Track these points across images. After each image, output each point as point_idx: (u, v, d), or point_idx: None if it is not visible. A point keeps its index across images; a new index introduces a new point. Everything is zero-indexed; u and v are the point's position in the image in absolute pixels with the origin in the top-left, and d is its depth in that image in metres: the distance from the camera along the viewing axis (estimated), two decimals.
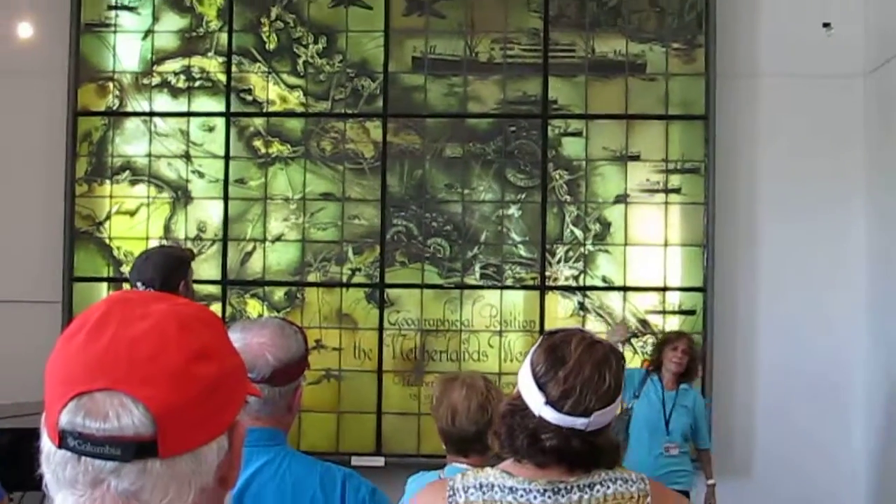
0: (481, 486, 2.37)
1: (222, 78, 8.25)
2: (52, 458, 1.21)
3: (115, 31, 8.34)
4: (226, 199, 8.20)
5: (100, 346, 1.21)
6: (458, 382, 3.60)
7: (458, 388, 3.54)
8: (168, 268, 4.83)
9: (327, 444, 7.83)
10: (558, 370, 2.34)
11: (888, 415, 7.43)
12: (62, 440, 1.18)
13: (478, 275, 8.10)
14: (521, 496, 2.33)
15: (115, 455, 1.17)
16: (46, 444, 1.21)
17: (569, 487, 2.33)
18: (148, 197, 8.29)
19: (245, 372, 1.40)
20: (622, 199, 8.05)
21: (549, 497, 2.32)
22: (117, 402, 1.17)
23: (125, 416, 1.17)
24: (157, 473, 1.19)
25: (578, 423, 2.31)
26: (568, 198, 8.06)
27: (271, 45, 8.24)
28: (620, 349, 4.21)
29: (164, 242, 8.06)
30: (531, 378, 2.38)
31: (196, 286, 6.05)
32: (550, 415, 2.31)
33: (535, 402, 2.34)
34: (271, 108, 8.26)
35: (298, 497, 2.68)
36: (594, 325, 7.72)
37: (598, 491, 2.34)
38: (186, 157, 8.27)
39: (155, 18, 8.32)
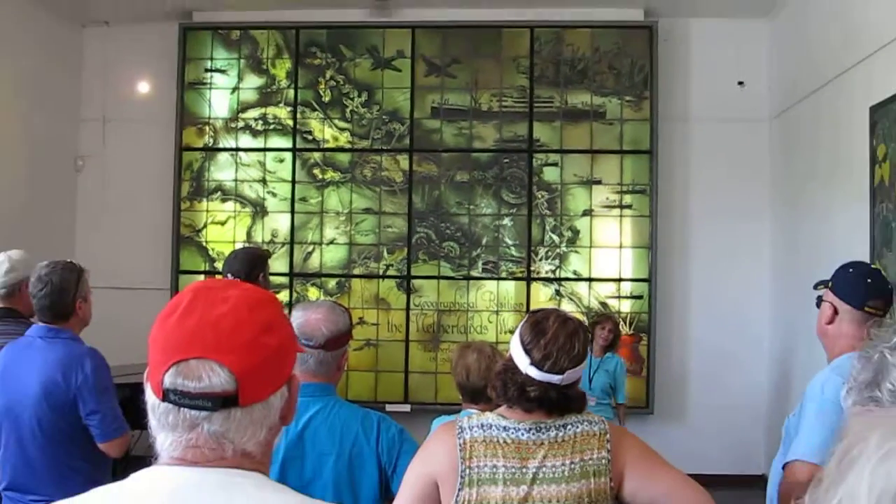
0: (482, 425, 2.32)
1: (290, 122, 8.31)
2: (156, 409, 1.24)
3: (210, 88, 8.42)
4: (292, 212, 8.27)
5: (191, 323, 1.24)
6: (471, 349, 3.59)
7: (471, 353, 3.53)
8: (250, 263, 4.82)
9: (367, 395, 7.85)
10: (540, 339, 2.33)
11: (782, 371, 7.52)
12: (165, 396, 1.22)
13: (480, 269, 8.13)
14: (512, 433, 2.30)
15: (206, 406, 1.21)
16: (151, 398, 1.25)
17: (547, 426, 2.31)
18: (234, 211, 8.36)
19: (295, 337, 1.40)
20: (588, 212, 8.07)
21: (533, 434, 2.30)
22: (208, 367, 1.21)
23: (214, 377, 1.21)
24: (238, 418, 1.23)
25: (555, 379, 2.29)
26: (547, 212, 8.10)
27: (326, 98, 8.29)
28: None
29: (247, 244, 8.10)
30: (519, 345, 2.37)
31: (271, 277, 6.09)
32: (534, 373, 2.30)
33: (523, 363, 2.33)
34: (326, 145, 8.29)
35: (345, 435, 2.68)
36: (567, 306, 7.74)
37: (569, 429, 2.32)
38: (263, 181, 8.34)
39: (240, 78, 8.40)
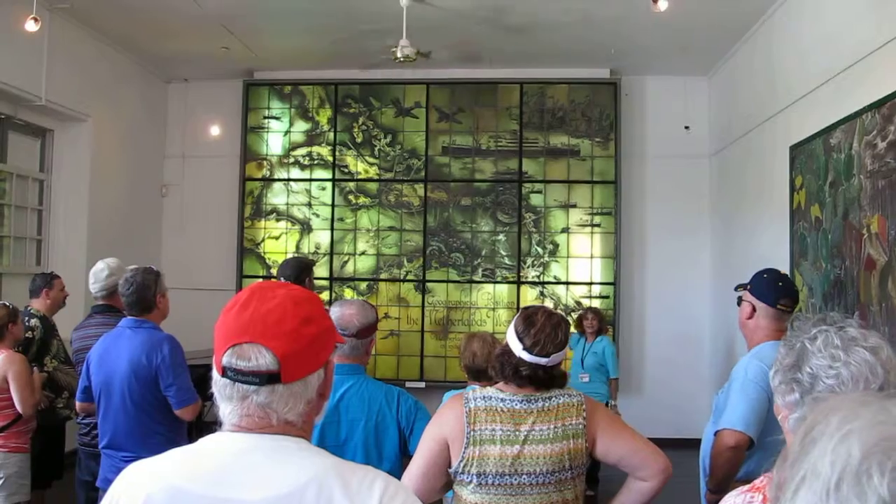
0: (484, 397, 2.35)
1: (330, 158, 8.31)
2: (217, 383, 1.25)
3: (267, 132, 8.43)
4: (332, 229, 8.27)
5: (247, 315, 1.24)
6: (476, 338, 3.59)
7: (476, 341, 3.54)
8: (298, 269, 4.83)
9: (391, 374, 7.87)
10: (531, 329, 2.34)
11: (719, 355, 7.50)
12: (224, 372, 1.23)
13: (480, 274, 8.11)
14: (508, 403, 2.32)
15: (255, 381, 1.21)
16: (215, 374, 1.25)
17: (536, 398, 2.33)
18: (286, 228, 8.36)
19: (335, 330, 1.37)
20: (566, 230, 8.06)
21: (525, 404, 2.31)
22: (256, 350, 1.21)
23: (261, 358, 1.21)
24: (280, 392, 1.23)
25: (542, 361, 2.31)
26: (533, 229, 8.08)
27: (359, 139, 8.29)
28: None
29: (296, 254, 8.11)
30: (514, 334, 2.37)
31: (315, 281, 6.09)
32: (526, 356, 2.32)
33: (517, 348, 2.34)
34: (359, 176, 8.28)
35: (371, 405, 2.68)
36: (549, 304, 7.72)
37: (553, 401, 2.33)
38: (309, 205, 8.34)
39: (291, 123, 8.41)
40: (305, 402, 1.27)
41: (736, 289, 3.19)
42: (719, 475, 2.79)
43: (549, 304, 7.78)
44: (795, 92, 5.58)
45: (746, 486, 1.47)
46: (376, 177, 8.27)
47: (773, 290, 3.03)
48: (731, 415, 2.78)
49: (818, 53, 5.21)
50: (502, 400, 2.34)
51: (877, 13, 4.38)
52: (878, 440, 0.68)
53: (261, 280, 7.98)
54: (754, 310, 3.03)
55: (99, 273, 4.23)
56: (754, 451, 2.77)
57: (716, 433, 2.83)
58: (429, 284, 8.14)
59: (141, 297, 3.56)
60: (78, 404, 3.79)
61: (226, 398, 1.25)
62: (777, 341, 2.84)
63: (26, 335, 4.61)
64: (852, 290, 4.54)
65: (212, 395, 1.28)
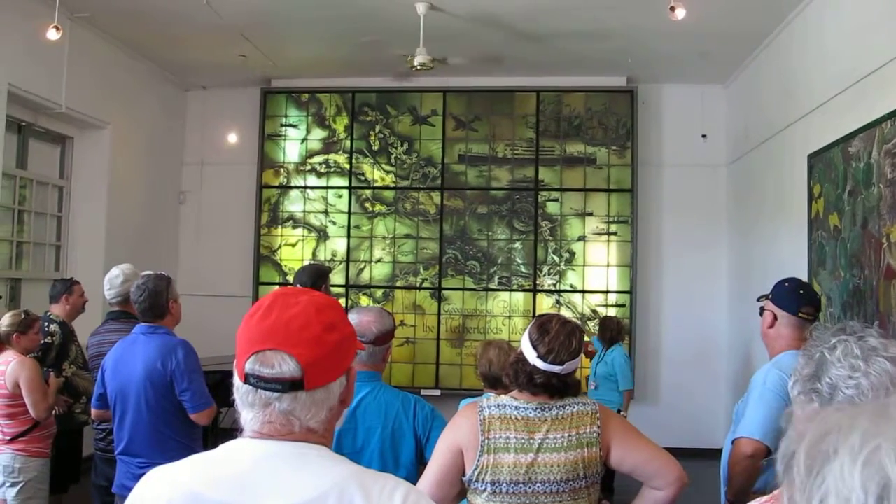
0: (498, 405, 2.33)
1: (346, 166, 8.34)
2: (240, 390, 1.24)
3: (284, 139, 8.47)
4: (348, 237, 8.29)
5: (269, 321, 1.24)
6: (493, 346, 3.60)
7: (493, 349, 3.55)
8: (315, 276, 4.84)
9: (406, 382, 7.82)
10: (545, 337, 2.33)
11: (737, 365, 7.45)
12: (246, 379, 1.22)
13: (496, 282, 8.10)
14: (522, 411, 2.30)
15: (277, 388, 1.21)
16: (237, 381, 1.24)
17: (550, 406, 2.31)
18: (302, 236, 8.39)
19: (356, 336, 1.37)
20: (582, 238, 8.04)
21: (539, 412, 2.30)
22: (280, 357, 1.21)
23: (284, 365, 1.21)
24: (303, 399, 1.23)
25: (556, 369, 2.30)
26: (549, 238, 8.07)
27: (376, 147, 8.32)
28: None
29: (312, 261, 8.11)
30: (529, 342, 2.36)
31: (331, 288, 6.11)
32: (540, 364, 2.31)
33: (531, 356, 2.33)
34: (375, 184, 8.30)
35: (388, 412, 2.67)
36: (565, 312, 7.69)
37: (567, 409, 2.31)
38: (325, 212, 8.36)
39: (308, 131, 8.45)
40: (328, 409, 1.26)
41: (759, 299, 3.17)
42: (736, 485, 2.78)
43: (565, 313, 7.75)
44: (814, 100, 5.55)
45: (765, 498, 1.46)
46: (392, 184, 8.28)
47: (794, 298, 3.01)
48: (749, 424, 2.76)
49: (837, 61, 5.18)
50: (516, 408, 2.33)
51: None
52: None
53: (278, 287, 8.01)
54: (776, 318, 3.01)
55: (114, 279, 4.26)
56: (773, 461, 2.74)
57: (733, 441, 2.82)
58: (445, 292, 8.14)
59: (154, 303, 3.58)
60: (93, 411, 3.81)
61: (248, 405, 1.25)
62: (798, 350, 2.83)
63: (46, 340, 4.66)
64: (871, 300, 4.50)
65: (232, 401, 1.28)
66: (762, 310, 3.10)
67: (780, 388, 2.74)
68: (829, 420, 0.75)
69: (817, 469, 0.71)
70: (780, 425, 2.70)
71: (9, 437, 4.18)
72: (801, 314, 2.97)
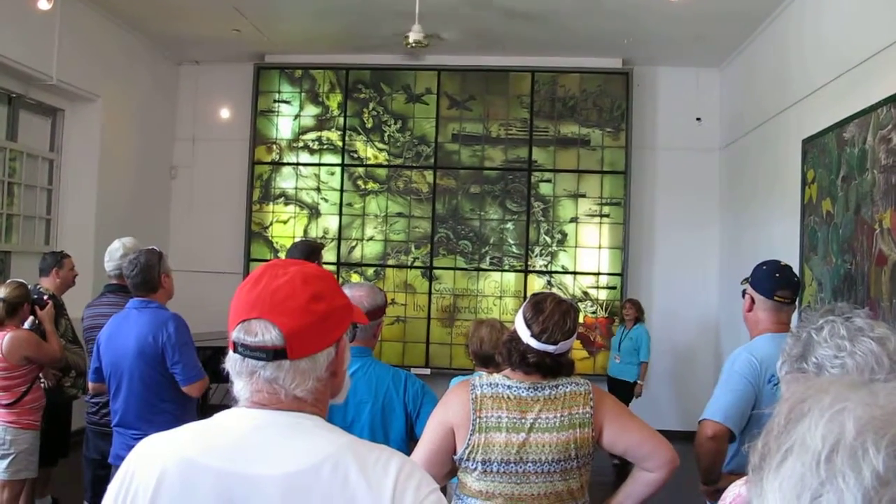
0: (491, 384, 2.31)
1: (339, 143, 8.31)
2: (230, 359, 1.25)
3: (277, 115, 8.44)
4: (340, 215, 8.28)
5: (256, 291, 1.24)
6: (484, 324, 3.59)
7: (485, 327, 3.54)
8: (307, 253, 4.80)
9: (396, 361, 7.77)
10: (539, 316, 2.30)
11: (726, 348, 7.44)
12: (235, 348, 1.24)
13: (488, 262, 8.12)
14: (515, 391, 2.29)
15: (261, 357, 1.22)
16: (230, 351, 1.26)
17: (543, 386, 2.30)
18: (294, 213, 8.38)
19: (351, 308, 1.35)
20: (574, 220, 8.06)
21: (531, 392, 2.29)
22: (263, 326, 1.21)
23: (267, 334, 1.21)
24: (287, 368, 1.22)
25: (550, 348, 2.28)
26: (542, 218, 8.08)
27: (369, 125, 8.29)
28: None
29: (304, 238, 8.10)
30: (522, 321, 2.33)
31: (323, 265, 6.08)
32: (534, 343, 2.28)
33: (525, 335, 2.30)
34: (368, 162, 8.28)
35: (379, 387, 2.67)
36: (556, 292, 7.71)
37: (560, 389, 2.30)
38: (318, 189, 8.35)
39: (301, 108, 8.41)
40: (314, 378, 1.26)
41: (742, 282, 3.17)
42: (702, 466, 2.79)
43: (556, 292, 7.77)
44: (809, 85, 5.55)
45: (742, 480, 1.47)
46: (385, 163, 8.26)
47: (770, 281, 2.96)
48: (712, 406, 2.77)
49: (833, 47, 5.18)
50: (509, 387, 2.31)
51: (893, 7, 4.35)
52: (870, 419, 0.70)
53: None
54: (754, 302, 3.00)
55: (114, 252, 4.26)
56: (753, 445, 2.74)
57: (699, 423, 2.82)
58: (436, 271, 8.15)
59: (146, 277, 3.60)
60: (90, 385, 3.84)
61: (237, 374, 1.26)
62: (775, 334, 2.83)
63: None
64: (862, 286, 4.53)
65: (224, 374, 1.28)
66: (744, 293, 3.09)
67: (747, 371, 2.74)
68: (810, 386, 0.79)
69: (792, 425, 0.75)
70: (743, 408, 2.72)
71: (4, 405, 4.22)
72: (776, 297, 2.91)
